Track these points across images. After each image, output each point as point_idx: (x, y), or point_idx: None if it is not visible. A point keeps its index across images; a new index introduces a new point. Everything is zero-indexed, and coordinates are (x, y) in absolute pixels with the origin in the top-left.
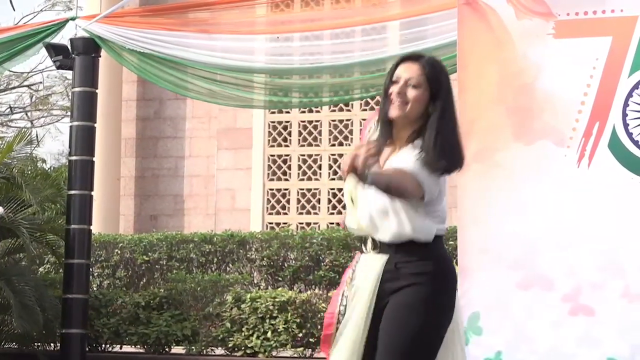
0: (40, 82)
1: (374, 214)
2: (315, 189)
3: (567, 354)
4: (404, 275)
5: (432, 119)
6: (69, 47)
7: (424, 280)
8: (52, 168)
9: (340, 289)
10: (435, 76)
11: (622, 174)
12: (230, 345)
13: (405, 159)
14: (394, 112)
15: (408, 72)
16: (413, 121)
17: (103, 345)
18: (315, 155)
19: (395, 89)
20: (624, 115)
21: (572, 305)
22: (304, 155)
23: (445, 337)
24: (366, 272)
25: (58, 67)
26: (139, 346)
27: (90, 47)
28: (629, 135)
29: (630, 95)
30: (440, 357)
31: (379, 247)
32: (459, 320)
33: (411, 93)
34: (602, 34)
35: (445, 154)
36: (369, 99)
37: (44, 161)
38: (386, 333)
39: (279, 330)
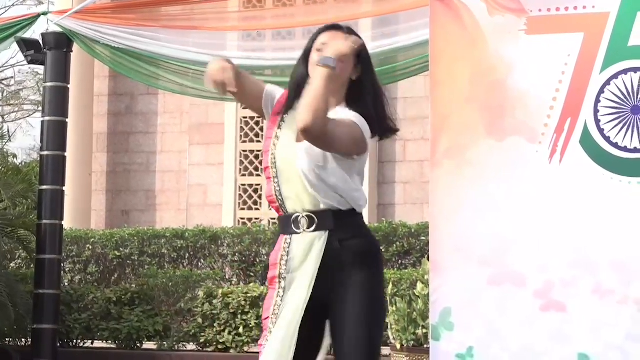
0: (12, 77)
1: (307, 174)
2: None
3: (538, 350)
4: (348, 256)
5: (363, 84)
6: (41, 42)
7: (369, 261)
8: (23, 163)
9: (273, 289)
10: (360, 44)
11: (593, 170)
12: (202, 341)
13: (342, 114)
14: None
15: (334, 39)
16: (338, 86)
17: (74, 341)
18: None
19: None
20: (596, 111)
21: (543, 301)
22: None
23: None
24: (304, 255)
25: (29, 62)
26: (110, 341)
27: (62, 42)
28: (601, 131)
29: (601, 91)
30: None
31: (316, 223)
32: None
33: (340, 66)
34: (574, 30)
35: (384, 117)
36: None
37: (15, 156)
38: (351, 324)
39: (250, 325)
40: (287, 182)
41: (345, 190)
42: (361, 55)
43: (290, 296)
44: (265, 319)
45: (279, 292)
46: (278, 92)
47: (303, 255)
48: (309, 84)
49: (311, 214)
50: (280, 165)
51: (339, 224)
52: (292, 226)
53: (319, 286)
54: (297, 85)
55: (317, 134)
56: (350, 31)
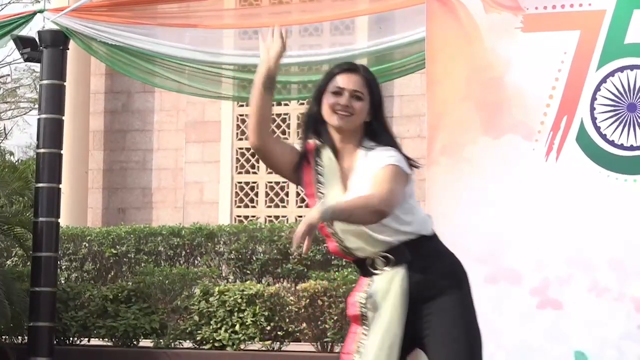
0: (8, 75)
1: (371, 228)
2: (283, 182)
3: (535, 348)
4: (432, 284)
5: (378, 122)
6: (37, 40)
7: (455, 283)
8: (19, 161)
9: (355, 327)
10: (374, 84)
11: (589, 168)
12: (198, 339)
13: (377, 161)
14: (340, 122)
15: (351, 83)
16: (355, 128)
17: (71, 339)
18: None
19: (341, 101)
20: (592, 109)
21: (540, 299)
22: None
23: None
24: (386, 291)
25: (26, 60)
26: (106, 339)
27: (58, 40)
28: (597, 129)
29: (598, 89)
30: None
31: (393, 260)
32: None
33: (358, 105)
34: (570, 27)
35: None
36: None
37: (11, 154)
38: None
39: (247, 323)
40: (349, 236)
41: (409, 222)
42: (374, 97)
43: (377, 333)
44: (346, 353)
45: (364, 329)
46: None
47: (384, 292)
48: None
49: (385, 254)
50: (336, 224)
51: (416, 254)
52: (370, 268)
53: (408, 320)
54: (310, 124)
55: (387, 214)
56: (365, 71)
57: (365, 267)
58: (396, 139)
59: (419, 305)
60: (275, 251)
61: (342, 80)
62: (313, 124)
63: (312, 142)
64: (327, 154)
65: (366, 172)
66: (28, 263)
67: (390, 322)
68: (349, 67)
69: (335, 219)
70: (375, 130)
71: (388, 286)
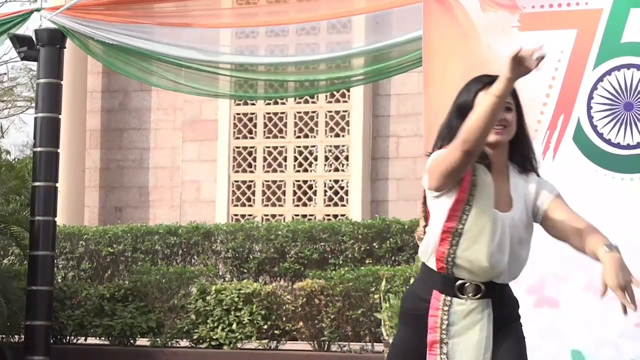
0: (5, 74)
1: (510, 249)
2: (280, 181)
3: (531, 346)
4: (507, 315)
5: (525, 136)
6: (34, 39)
7: (518, 310)
8: (16, 159)
9: (434, 355)
10: (516, 93)
11: (586, 166)
12: (195, 337)
13: (542, 183)
14: (496, 137)
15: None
16: (505, 145)
17: (68, 337)
18: (281, 147)
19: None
20: (589, 108)
21: (536, 297)
22: (269, 147)
23: None
24: (468, 322)
25: (23, 59)
26: (103, 338)
27: (55, 39)
28: (594, 128)
29: (594, 88)
30: None
31: (482, 291)
32: None
33: (509, 116)
34: (567, 26)
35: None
36: (334, 92)
37: (8, 152)
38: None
39: (244, 322)
40: (476, 253)
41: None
42: (520, 107)
43: None
44: None
45: (441, 357)
46: None
47: (466, 322)
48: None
49: (481, 284)
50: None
51: (499, 288)
52: (456, 290)
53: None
54: (447, 137)
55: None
56: None
57: (452, 286)
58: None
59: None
60: (272, 250)
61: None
62: (449, 137)
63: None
64: (480, 168)
65: (532, 193)
66: (25, 262)
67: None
68: (490, 80)
69: None
70: (522, 143)
71: (471, 318)
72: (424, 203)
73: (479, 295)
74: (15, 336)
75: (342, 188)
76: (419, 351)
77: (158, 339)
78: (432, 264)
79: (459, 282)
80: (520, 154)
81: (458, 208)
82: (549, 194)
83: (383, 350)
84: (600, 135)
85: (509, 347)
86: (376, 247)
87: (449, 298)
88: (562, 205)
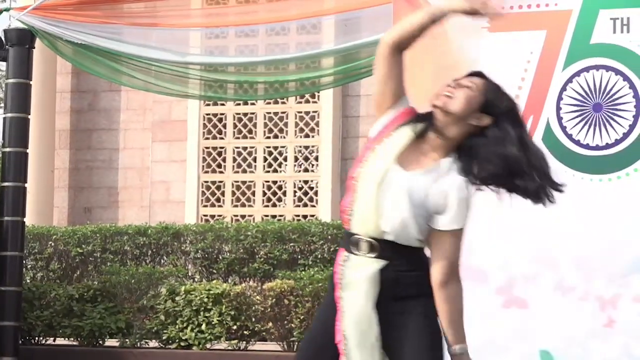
0: None
1: (400, 208)
2: (250, 181)
3: (500, 346)
4: (404, 287)
5: (487, 138)
6: (3, 39)
7: (427, 291)
8: None
9: (339, 310)
10: (495, 97)
11: (556, 167)
12: (164, 338)
13: (445, 186)
14: (436, 102)
15: (472, 79)
16: (452, 127)
17: (36, 338)
18: (250, 147)
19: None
20: (558, 109)
21: (505, 298)
22: (238, 147)
23: None
24: (356, 279)
25: None
26: (72, 339)
27: (24, 39)
28: (563, 129)
29: (564, 89)
30: None
31: (377, 251)
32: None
33: (459, 93)
34: (536, 27)
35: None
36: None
37: None
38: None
39: (213, 322)
40: (362, 202)
41: (422, 236)
42: (491, 101)
43: (349, 321)
44: (339, 342)
45: (341, 313)
46: (403, 103)
47: (355, 279)
48: None
49: (373, 241)
50: (372, 185)
51: (398, 255)
52: (351, 245)
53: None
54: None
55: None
56: (494, 82)
57: (348, 243)
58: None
59: (384, 303)
60: (241, 250)
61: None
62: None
63: (414, 110)
64: (414, 127)
65: (428, 195)
66: None
67: (360, 317)
68: (480, 74)
69: None
70: (475, 153)
71: (360, 275)
72: None
73: (374, 255)
74: None
75: (311, 189)
76: (334, 309)
77: (127, 340)
78: None
79: (354, 237)
80: (463, 161)
81: (364, 154)
82: (443, 223)
83: None
84: (569, 137)
85: (409, 336)
86: None
87: (347, 254)
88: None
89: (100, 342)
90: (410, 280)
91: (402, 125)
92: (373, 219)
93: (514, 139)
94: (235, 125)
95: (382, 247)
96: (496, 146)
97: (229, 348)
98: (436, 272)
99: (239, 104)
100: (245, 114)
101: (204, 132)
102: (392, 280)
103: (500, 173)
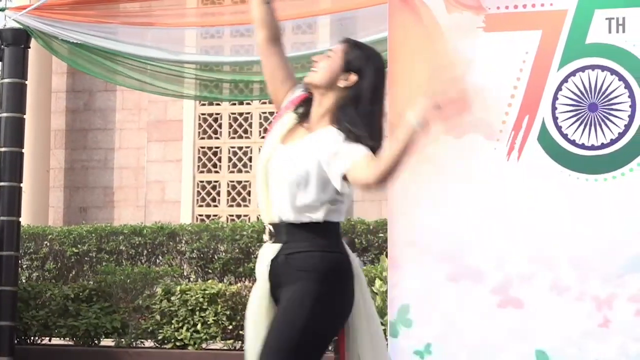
0: None
1: (280, 191)
2: (245, 181)
3: (496, 346)
4: (292, 270)
5: (351, 110)
6: None
7: (311, 277)
8: None
9: None
10: (356, 54)
11: (551, 167)
12: (160, 338)
13: (324, 140)
14: (306, 77)
15: (335, 46)
16: (325, 97)
17: (32, 338)
18: (246, 147)
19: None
20: (553, 108)
21: (501, 297)
22: (234, 147)
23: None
24: (260, 265)
25: None
26: (68, 338)
27: (20, 38)
28: (558, 128)
29: (559, 88)
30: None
31: (274, 236)
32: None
33: (323, 64)
34: (532, 27)
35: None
36: None
37: None
38: (270, 331)
39: (208, 322)
40: (259, 191)
41: (314, 206)
42: (349, 60)
43: (248, 312)
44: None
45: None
46: (297, 90)
47: (259, 270)
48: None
49: (271, 227)
50: (261, 169)
51: (293, 238)
52: (264, 235)
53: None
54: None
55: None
56: (357, 45)
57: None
58: (367, 134)
59: (274, 288)
60: (237, 250)
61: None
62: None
63: (305, 93)
64: (297, 110)
65: (314, 155)
66: None
67: (256, 308)
68: (345, 39)
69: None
70: (347, 117)
71: (261, 264)
72: None
73: (272, 240)
74: None
75: None
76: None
77: (122, 340)
78: None
79: (264, 225)
80: (339, 121)
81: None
82: (346, 160)
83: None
84: (565, 136)
85: (275, 317)
86: None
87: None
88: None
89: (96, 341)
90: (298, 262)
91: (290, 111)
92: (266, 203)
93: (369, 91)
94: (230, 125)
95: (277, 231)
96: (353, 104)
97: (225, 348)
98: (369, 174)
99: (234, 104)
100: (240, 114)
101: (199, 132)
102: (282, 264)
103: (362, 134)
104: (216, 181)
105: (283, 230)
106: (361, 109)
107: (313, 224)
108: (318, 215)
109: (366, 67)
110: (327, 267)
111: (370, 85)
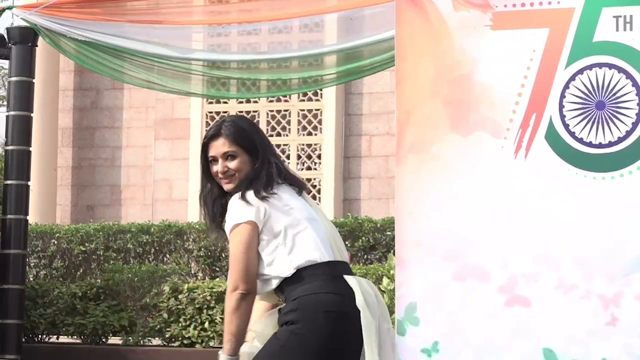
0: None
1: None
2: None
3: (503, 345)
4: (281, 317)
5: (260, 165)
6: (6, 37)
7: (290, 318)
8: None
9: None
10: (243, 136)
11: (558, 165)
12: (167, 336)
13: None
14: (227, 186)
15: (219, 148)
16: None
17: (39, 336)
18: None
19: (219, 169)
20: (561, 106)
21: (508, 296)
22: None
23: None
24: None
25: None
26: (75, 337)
27: (27, 37)
28: (566, 126)
29: (567, 86)
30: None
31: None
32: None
33: (232, 164)
34: (539, 25)
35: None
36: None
37: None
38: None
39: (216, 320)
40: None
41: (264, 273)
42: (249, 145)
43: None
44: None
45: None
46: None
47: None
48: None
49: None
50: None
51: (282, 298)
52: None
53: None
54: (214, 202)
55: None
56: (229, 127)
57: None
58: (273, 175)
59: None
60: None
61: (211, 150)
62: (219, 199)
63: None
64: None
65: None
66: None
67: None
68: (212, 133)
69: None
70: (257, 173)
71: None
72: None
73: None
74: None
75: (314, 187)
76: None
77: (130, 338)
78: None
79: None
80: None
81: None
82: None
83: None
84: (572, 134)
85: None
86: (348, 245)
87: None
88: None
89: (103, 340)
90: (283, 313)
91: None
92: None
93: None
94: None
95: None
96: None
97: None
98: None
99: (241, 102)
100: (247, 112)
101: (206, 130)
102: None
103: None
104: None
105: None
106: None
107: (287, 279)
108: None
109: (254, 140)
110: (302, 308)
111: None
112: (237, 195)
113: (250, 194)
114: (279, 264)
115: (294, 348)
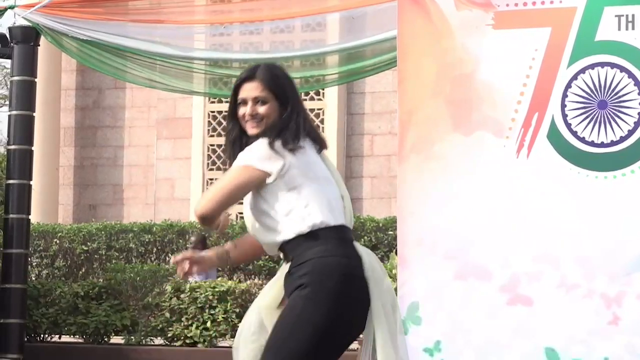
0: None
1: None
2: None
3: (505, 344)
4: (291, 284)
5: (288, 115)
6: (8, 36)
7: (304, 281)
8: None
9: None
10: (276, 83)
11: (560, 164)
12: (169, 335)
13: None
14: (252, 130)
15: (252, 91)
16: (272, 129)
17: (42, 335)
18: None
19: (247, 111)
20: (563, 106)
21: (510, 295)
22: None
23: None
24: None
25: None
26: (77, 336)
27: (29, 36)
28: (568, 125)
29: (569, 86)
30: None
31: (287, 257)
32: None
33: (262, 109)
34: (541, 24)
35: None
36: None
37: None
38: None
39: (218, 320)
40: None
41: (276, 221)
42: (280, 94)
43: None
44: None
45: None
46: None
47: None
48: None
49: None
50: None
51: (291, 254)
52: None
53: None
54: (237, 142)
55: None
56: (264, 71)
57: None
58: (300, 127)
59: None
60: None
61: (243, 91)
62: (239, 141)
63: None
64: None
65: None
66: None
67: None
68: (246, 75)
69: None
70: (285, 123)
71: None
72: None
73: (286, 262)
74: None
75: None
76: None
77: (132, 337)
78: None
79: None
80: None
81: None
82: None
83: (357, 348)
84: (574, 134)
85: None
86: None
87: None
88: None
89: (106, 339)
90: (294, 275)
91: None
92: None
93: None
94: None
95: (286, 252)
96: None
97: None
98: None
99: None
100: None
101: (208, 130)
102: (286, 280)
103: None
104: None
105: (283, 250)
106: None
107: (301, 236)
108: (285, 230)
109: (291, 89)
110: (318, 271)
111: None
112: (265, 140)
113: (278, 144)
114: (296, 217)
115: (311, 314)
